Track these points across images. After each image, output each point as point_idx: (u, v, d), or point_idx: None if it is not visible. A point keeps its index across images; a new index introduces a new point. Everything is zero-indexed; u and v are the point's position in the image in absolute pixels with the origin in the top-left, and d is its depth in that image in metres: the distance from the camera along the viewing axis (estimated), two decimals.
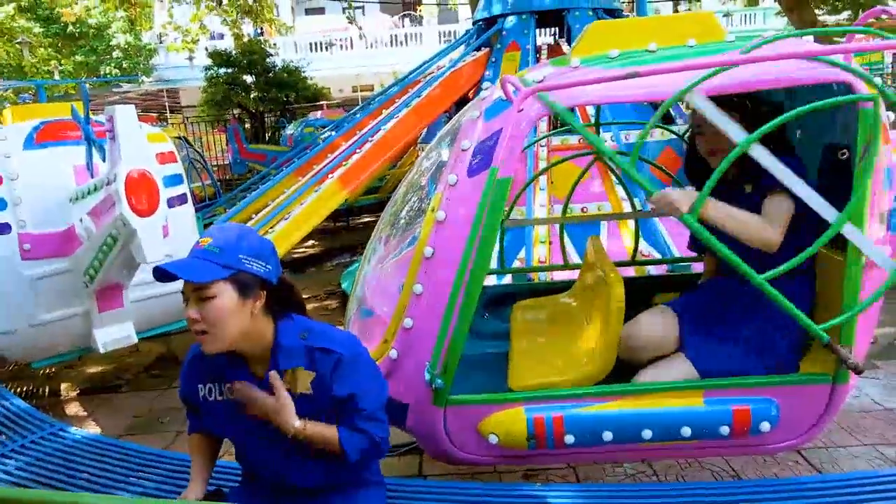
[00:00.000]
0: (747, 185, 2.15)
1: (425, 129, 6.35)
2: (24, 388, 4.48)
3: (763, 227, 1.97)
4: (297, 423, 1.62)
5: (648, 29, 2.13)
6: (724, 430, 1.99)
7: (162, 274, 1.55)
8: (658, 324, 2.23)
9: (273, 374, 1.63)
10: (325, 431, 1.65)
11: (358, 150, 5.25)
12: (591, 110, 5.28)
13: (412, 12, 26.07)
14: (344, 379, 1.63)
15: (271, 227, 4.77)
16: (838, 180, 2.03)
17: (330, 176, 5.10)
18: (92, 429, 3.77)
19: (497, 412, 2.05)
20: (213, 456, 1.89)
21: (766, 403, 1.99)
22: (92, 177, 3.27)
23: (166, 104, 22.35)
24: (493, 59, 5.95)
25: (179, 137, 8.25)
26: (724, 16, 21.46)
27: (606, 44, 2.13)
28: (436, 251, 2.00)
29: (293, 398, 1.65)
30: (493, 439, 2.06)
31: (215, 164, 13.11)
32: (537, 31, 6.14)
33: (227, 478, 2.28)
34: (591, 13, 5.78)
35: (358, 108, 7.07)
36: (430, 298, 1.99)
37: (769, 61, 1.75)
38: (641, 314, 2.27)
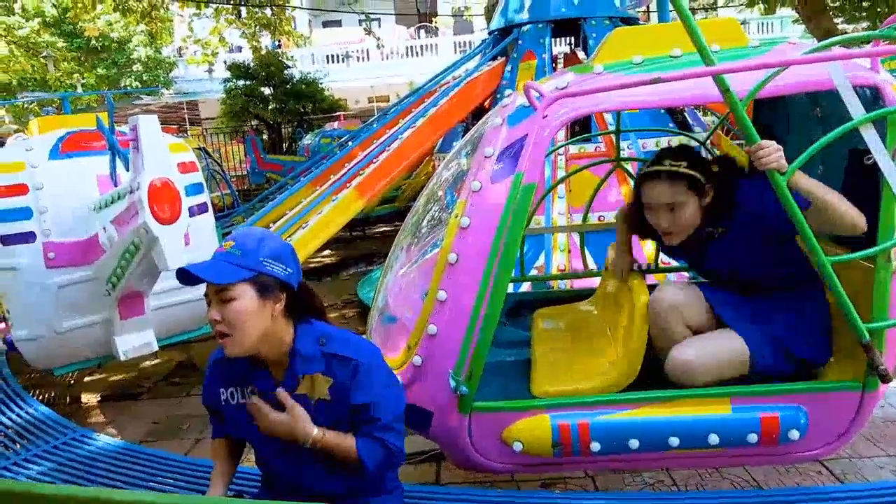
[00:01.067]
0: (717, 229, 2.19)
1: (441, 139, 6.37)
2: (47, 395, 4.52)
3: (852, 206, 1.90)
4: (315, 431, 1.63)
5: (672, 35, 2.12)
6: (753, 437, 1.96)
7: (185, 276, 1.56)
8: (681, 291, 2.20)
9: (280, 391, 1.64)
10: (342, 441, 1.65)
11: (375, 160, 5.27)
12: (608, 117, 5.28)
13: (427, 24, 26.23)
14: (361, 387, 1.64)
15: (289, 236, 4.80)
16: (864, 184, 2.01)
17: (347, 185, 5.13)
18: (112, 435, 3.79)
19: (521, 419, 2.04)
20: (234, 461, 1.90)
21: (795, 411, 1.96)
22: (115, 186, 3.31)
23: (186, 116, 22.62)
24: (510, 69, 5.96)
25: (199, 148, 8.34)
26: (741, 24, 21.41)
27: (629, 50, 2.13)
28: (460, 257, 1.99)
29: (311, 403, 1.66)
30: (518, 447, 2.04)
31: (234, 174, 13.23)
32: (553, 40, 6.15)
33: (247, 484, 2.28)
34: (607, 22, 5.78)
35: (375, 118, 7.11)
36: (455, 305, 1.99)
37: (810, 63, 1.74)
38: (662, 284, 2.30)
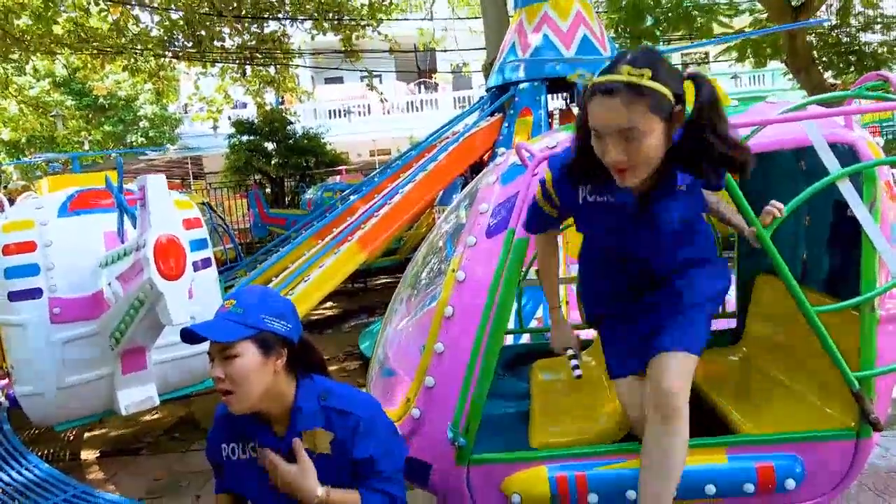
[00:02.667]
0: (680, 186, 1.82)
1: (441, 192, 6.49)
2: (46, 451, 4.49)
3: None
4: (320, 491, 1.66)
5: None
6: (749, 487, 1.97)
7: (188, 335, 1.62)
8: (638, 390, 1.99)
9: (296, 441, 1.68)
10: (348, 498, 1.68)
11: (377, 213, 5.38)
12: None
13: (427, 79, 26.90)
14: (363, 441, 1.68)
15: (291, 290, 4.86)
16: (848, 235, 2.09)
17: (349, 238, 5.21)
18: (112, 492, 3.76)
19: (520, 471, 2.05)
20: None
21: (790, 460, 1.98)
22: (123, 242, 3.39)
23: (190, 170, 22.98)
24: (507, 125, 6.13)
25: (203, 203, 8.48)
26: (732, 77, 21.94)
27: None
28: (456, 310, 2.05)
29: (312, 458, 1.68)
30: (517, 499, 2.05)
31: (237, 227, 13.39)
32: (549, 96, 6.33)
33: None
34: None
35: (376, 172, 7.27)
36: (452, 357, 2.03)
37: (786, 122, 1.84)
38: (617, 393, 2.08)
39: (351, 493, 1.69)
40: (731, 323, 3.08)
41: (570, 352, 2.16)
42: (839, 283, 2.48)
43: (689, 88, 1.58)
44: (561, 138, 2.17)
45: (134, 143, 18.80)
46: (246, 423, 1.74)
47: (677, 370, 1.79)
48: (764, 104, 2.24)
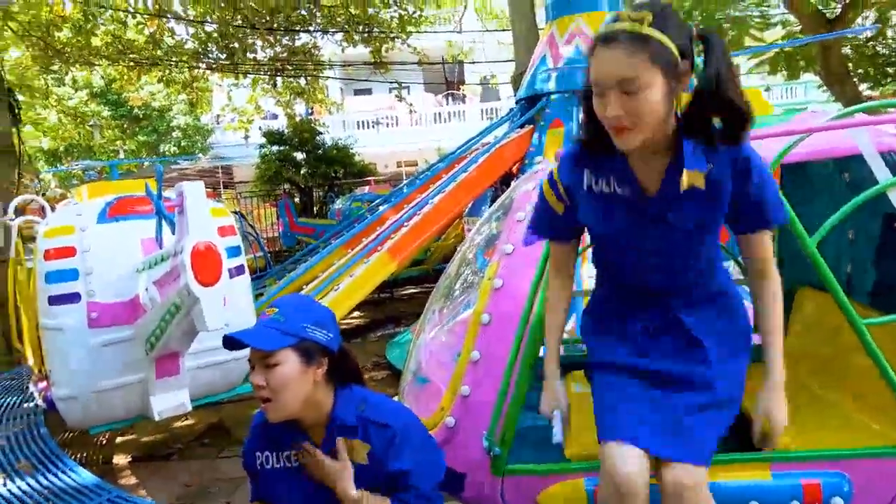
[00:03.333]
0: (694, 175, 1.54)
1: (471, 203, 6.49)
2: (79, 455, 4.56)
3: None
4: (355, 492, 1.65)
5: None
6: None
7: (230, 342, 1.63)
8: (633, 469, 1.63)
9: (340, 440, 1.68)
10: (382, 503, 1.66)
11: (406, 223, 5.39)
12: None
13: (455, 91, 27.01)
14: (398, 455, 1.67)
15: (321, 298, 4.88)
16: None
17: (379, 248, 5.23)
18: (144, 497, 3.80)
19: (556, 483, 2.02)
20: None
21: (838, 478, 1.91)
22: (160, 248, 3.44)
23: (221, 180, 23.33)
24: (538, 136, 6.11)
25: (235, 212, 8.60)
26: (766, 90, 21.64)
27: None
28: (493, 318, 2.03)
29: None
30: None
31: (266, 236, 13.54)
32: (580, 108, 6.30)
33: None
34: None
35: (406, 182, 7.31)
36: (488, 365, 2.02)
37: (834, 130, 1.79)
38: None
39: (386, 500, 1.68)
40: None
41: (557, 414, 1.89)
42: (885, 296, 2.42)
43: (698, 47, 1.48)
44: None
45: (167, 153, 19.17)
46: (282, 431, 1.74)
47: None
48: (807, 113, 2.20)
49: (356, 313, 9.01)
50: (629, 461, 1.59)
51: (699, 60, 1.49)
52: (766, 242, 1.67)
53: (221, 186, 22.52)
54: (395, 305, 9.58)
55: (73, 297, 3.48)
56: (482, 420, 2.03)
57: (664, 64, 1.42)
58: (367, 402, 1.73)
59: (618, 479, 1.59)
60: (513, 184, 2.85)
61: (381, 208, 6.95)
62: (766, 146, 1.79)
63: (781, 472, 1.94)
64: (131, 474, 4.23)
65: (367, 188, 13.58)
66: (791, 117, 2.15)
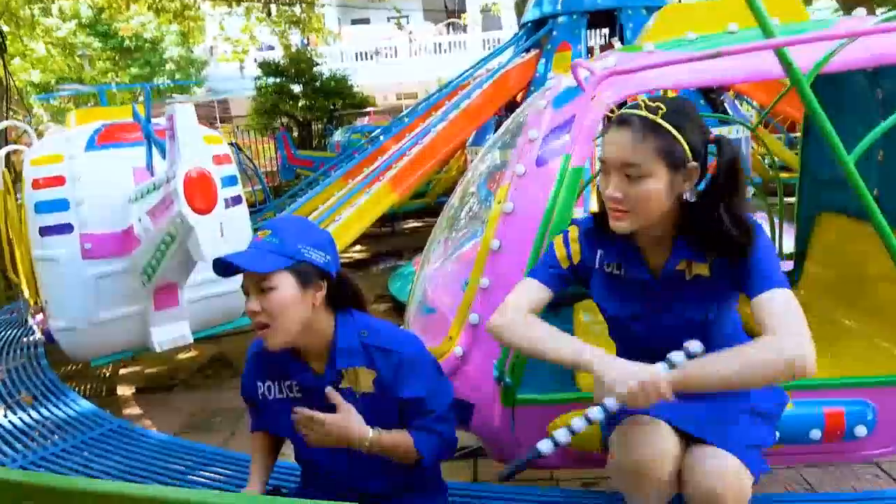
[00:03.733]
0: (698, 266, 1.52)
1: (474, 133, 6.29)
2: (83, 387, 4.55)
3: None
4: (371, 433, 1.56)
5: (727, 10, 2.03)
6: (815, 434, 1.85)
7: (222, 266, 1.51)
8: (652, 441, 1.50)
9: (329, 390, 1.58)
10: (400, 440, 1.59)
11: (408, 153, 5.22)
12: None
13: (456, 20, 26.16)
14: (409, 381, 1.58)
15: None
16: None
17: (380, 178, 5.08)
18: (148, 428, 3.79)
19: (569, 413, 1.95)
20: (273, 455, 1.85)
21: (862, 406, 1.85)
22: (152, 176, 3.30)
23: (217, 114, 22.89)
24: (544, 60, 5.86)
25: (231, 143, 8.38)
26: None
27: (681, 27, 2.03)
28: (503, 244, 1.92)
29: (356, 398, 1.60)
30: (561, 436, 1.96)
31: (264, 170, 13.33)
32: (588, 31, 6.03)
33: (285, 478, 2.23)
34: (644, 12, 5.65)
35: (407, 111, 7.08)
36: (498, 293, 1.91)
37: (884, 33, 1.62)
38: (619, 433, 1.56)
39: (401, 433, 1.61)
40: (788, 265, 2.92)
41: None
42: None
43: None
44: (620, 58, 1.99)
45: (162, 88, 18.73)
46: (282, 360, 1.65)
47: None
48: (854, 18, 2.02)
49: (358, 247, 8.92)
50: (656, 435, 1.47)
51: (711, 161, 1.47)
52: (776, 299, 1.41)
53: (218, 121, 22.10)
54: (397, 239, 9.48)
55: (66, 228, 3.37)
56: (492, 349, 1.94)
57: (670, 157, 1.42)
58: (370, 328, 1.63)
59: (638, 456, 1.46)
60: (524, 103, 2.68)
61: (381, 138, 6.74)
62: (803, 54, 1.63)
63: (802, 401, 1.87)
64: (135, 405, 4.23)
65: (366, 119, 13.27)
66: (831, 23, 1.97)
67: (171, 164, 2.84)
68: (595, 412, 1.37)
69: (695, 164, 1.43)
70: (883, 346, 2.07)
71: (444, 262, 2.65)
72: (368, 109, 15.48)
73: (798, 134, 9.37)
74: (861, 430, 1.84)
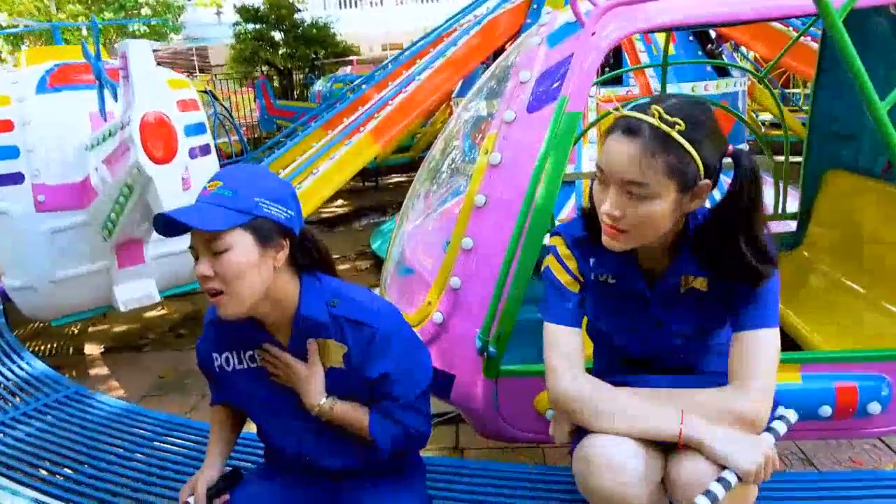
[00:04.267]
0: (693, 279, 1.38)
1: (460, 83, 6.00)
2: (47, 347, 4.35)
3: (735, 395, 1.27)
4: (323, 400, 1.40)
5: None
6: (826, 410, 1.70)
7: (166, 224, 1.29)
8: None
9: (311, 342, 1.40)
10: (354, 416, 1.43)
11: (390, 102, 4.95)
12: (643, 57, 4.91)
13: None
14: (377, 358, 1.39)
15: (299, 183, 4.52)
16: None
17: (361, 129, 4.82)
18: (115, 389, 3.62)
19: None
20: (236, 429, 1.67)
21: (877, 381, 1.69)
22: (105, 121, 3.04)
23: (196, 63, 22.18)
24: (535, 6, 5.55)
25: (206, 92, 8.01)
26: None
27: None
28: (489, 199, 1.72)
29: (323, 371, 1.42)
30: (552, 415, 1.80)
31: (244, 123, 12.90)
32: None
33: (249, 455, 2.07)
34: None
35: (390, 58, 6.74)
36: (483, 254, 1.72)
37: None
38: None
39: (358, 410, 1.43)
40: (791, 226, 2.75)
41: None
42: None
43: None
44: None
45: (136, 34, 17.92)
46: (242, 329, 1.45)
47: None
48: None
49: (339, 201, 8.68)
50: (621, 458, 1.25)
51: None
52: (761, 342, 1.29)
53: (197, 70, 21.40)
54: (379, 194, 9.24)
55: (16, 178, 3.11)
56: (474, 316, 1.76)
57: (682, 178, 1.22)
58: (340, 296, 1.43)
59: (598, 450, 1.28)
60: (515, 42, 2.44)
61: (363, 87, 6.43)
62: None
63: (813, 375, 1.72)
64: (102, 365, 4.04)
65: (349, 69, 12.78)
66: None
67: (125, 107, 2.58)
68: (717, 488, 1.17)
69: (707, 181, 1.24)
70: (893, 313, 1.92)
71: (425, 218, 2.45)
72: (351, 58, 14.97)
73: (794, 90, 9.16)
74: (875, 407, 1.69)
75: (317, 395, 1.41)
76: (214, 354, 1.52)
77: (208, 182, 1.33)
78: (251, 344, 1.47)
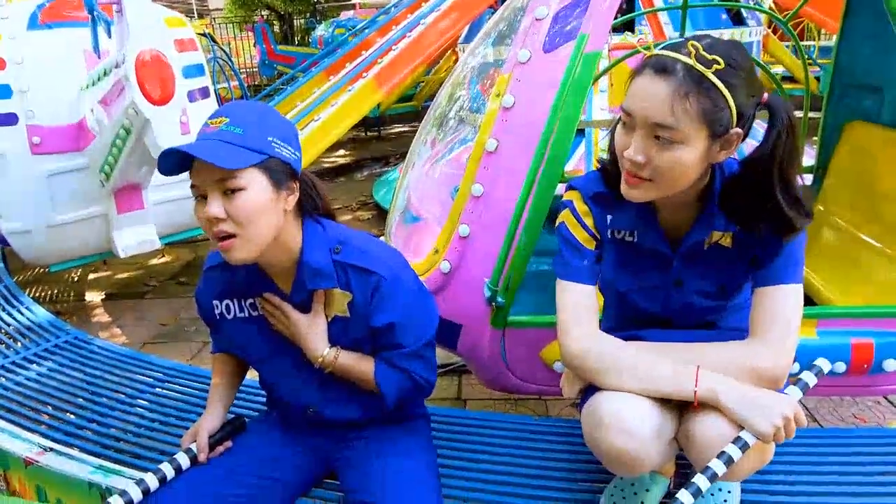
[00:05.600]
0: (720, 235, 1.31)
1: (466, 29, 5.81)
2: (49, 293, 4.33)
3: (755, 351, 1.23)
4: (326, 350, 1.36)
5: None
6: (840, 366, 1.67)
7: (171, 161, 1.22)
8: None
9: (318, 293, 1.36)
10: (359, 365, 1.39)
11: (394, 47, 4.79)
12: (658, 3, 4.74)
13: None
14: (384, 307, 1.34)
15: (300, 130, 4.42)
16: None
17: (364, 75, 4.68)
18: (117, 336, 3.61)
19: None
20: (237, 378, 1.63)
21: (894, 337, 1.65)
22: (99, 59, 2.92)
23: (194, 7, 21.65)
24: None
25: (204, 34, 7.80)
26: None
27: None
28: (501, 144, 1.64)
29: (326, 320, 1.38)
30: (560, 367, 1.77)
31: (244, 70, 12.64)
32: None
33: (251, 403, 2.05)
34: None
35: (394, 2, 6.53)
36: (493, 201, 1.66)
37: None
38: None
39: (363, 359, 1.40)
40: (807, 179, 2.67)
41: None
42: None
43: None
44: None
45: None
46: (243, 276, 1.39)
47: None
48: None
49: (341, 151, 8.56)
50: (635, 420, 1.19)
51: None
52: (784, 297, 1.25)
53: (195, 14, 20.88)
54: (382, 144, 9.11)
55: (10, 119, 3.02)
56: (483, 265, 1.71)
57: (714, 124, 1.13)
58: (344, 244, 1.37)
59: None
60: None
61: (365, 31, 6.24)
62: None
63: (829, 330, 1.68)
64: (104, 312, 4.03)
65: (351, 13, 12.44)
66: None
67: (120, 45, 2.48)
68: (733, 451, 1.12)
69: (739, 130, 1.16)
70: None
71: (433, 165, 2.38)
72: (354, 2, 14.55)
73: (809, 42, 8.94)
74: (891, 364, 1.66)
75: (320, 346, 1.37)
76: (215, 302, 1.48)
77: (210, 118, 1.25)
78: (252, 292, 1.43)
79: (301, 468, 1.52)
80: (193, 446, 1.43)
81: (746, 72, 1.15)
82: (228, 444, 1.48)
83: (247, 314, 1.46)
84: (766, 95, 1.18)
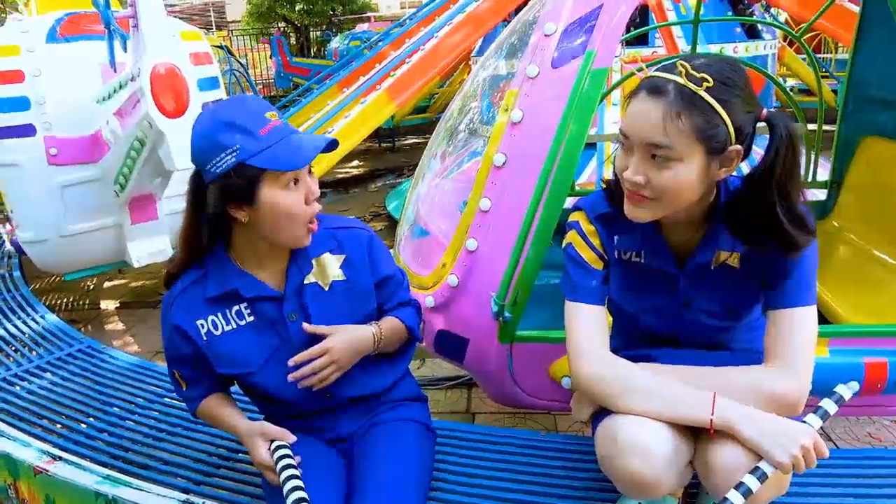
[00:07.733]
0: (727, 255, 1.30)
1: (480, 42, 5.84)
2: (65, 301, 4.38)
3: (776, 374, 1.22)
4: (374, 329, 1.44)
5: None
6: (853, 386, 1.63)
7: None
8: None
9: (306, 326, 1.40)
10: (393, 325, 1.50)
11: (407, 60, 4.83)
12: (670, 14, 4.73)
13: None
14: (381, 259, 1.51)
15: None
16: None
17: (377, 87, 4.72)
18: (129, 345, 3.64)
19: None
20: (234, 403, 1.60)
21: None
22: (115, 72, 2.96)
23: (213, 20, 21.97)
24: None
25: (221, 47, 7.89)
26: None
27: None
28: (509, 159, 1.65)
29: (324, 290, 1.42)
30: (568, 382, 1.76)
31: (260, 82, 12.78)
32: None
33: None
34: None
35: (408, 14, 6.57)
36: (501, 215, 1.66)
37: None
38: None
39: (389, 319, 1.50)
40: (821, 195, 2.65)
41: None
42: None
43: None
44: None
45: None
46: (223, 283, 1.40)
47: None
48: None
49: (355, 162, 8.60)
50: (649, 443, 1.18)
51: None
52: (799, 321, 1.24)
53: (214, 27, 21.17)
54: (395, 156, 9.14)
55: (27, 130, 3.06)
56: (490, 279, 1.71)
57: (710, 140, 1.13)
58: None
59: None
60: None
61: (380, 44, 6.29)
62: None
63: (841, 349, 1.65)
64: (119, 320, 4.06)
65: (366, 26, 12.55)
66: None
67: (135, 58, 2.51)
68: (751, 481, 1.10)
69: (738, 147, 1.15)
70: None
71: (441, 179, 2.38)
72: (369, 15, 14.68)
73: (827, 55, 8.88)
74: None
75: (366, 333, 1.42)
76: (199, 323, 1.43)
77: (269, 112, 1.32)
78: (236, 298, 1.42)
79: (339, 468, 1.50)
80: (273, 451, 1.38)
81: (740, 89, 1.14)
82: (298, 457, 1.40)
83: (234, 325, 1.43)
84: (764, 112, 1.17)
